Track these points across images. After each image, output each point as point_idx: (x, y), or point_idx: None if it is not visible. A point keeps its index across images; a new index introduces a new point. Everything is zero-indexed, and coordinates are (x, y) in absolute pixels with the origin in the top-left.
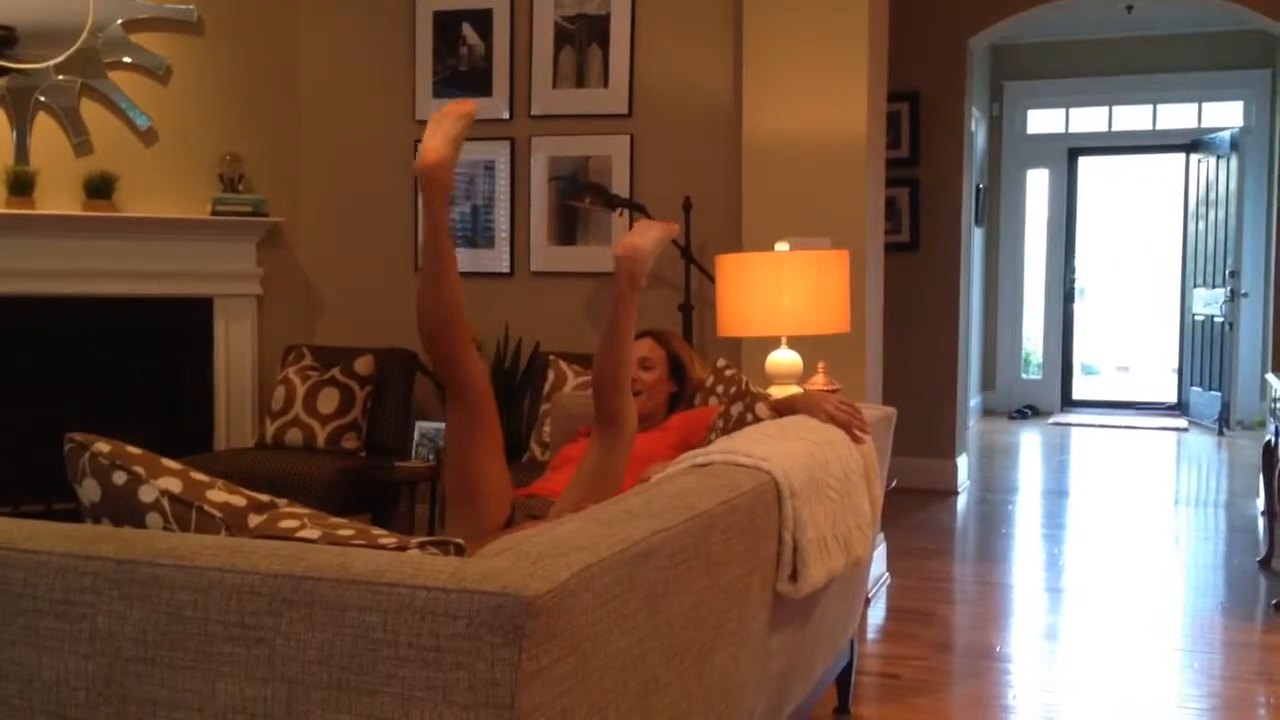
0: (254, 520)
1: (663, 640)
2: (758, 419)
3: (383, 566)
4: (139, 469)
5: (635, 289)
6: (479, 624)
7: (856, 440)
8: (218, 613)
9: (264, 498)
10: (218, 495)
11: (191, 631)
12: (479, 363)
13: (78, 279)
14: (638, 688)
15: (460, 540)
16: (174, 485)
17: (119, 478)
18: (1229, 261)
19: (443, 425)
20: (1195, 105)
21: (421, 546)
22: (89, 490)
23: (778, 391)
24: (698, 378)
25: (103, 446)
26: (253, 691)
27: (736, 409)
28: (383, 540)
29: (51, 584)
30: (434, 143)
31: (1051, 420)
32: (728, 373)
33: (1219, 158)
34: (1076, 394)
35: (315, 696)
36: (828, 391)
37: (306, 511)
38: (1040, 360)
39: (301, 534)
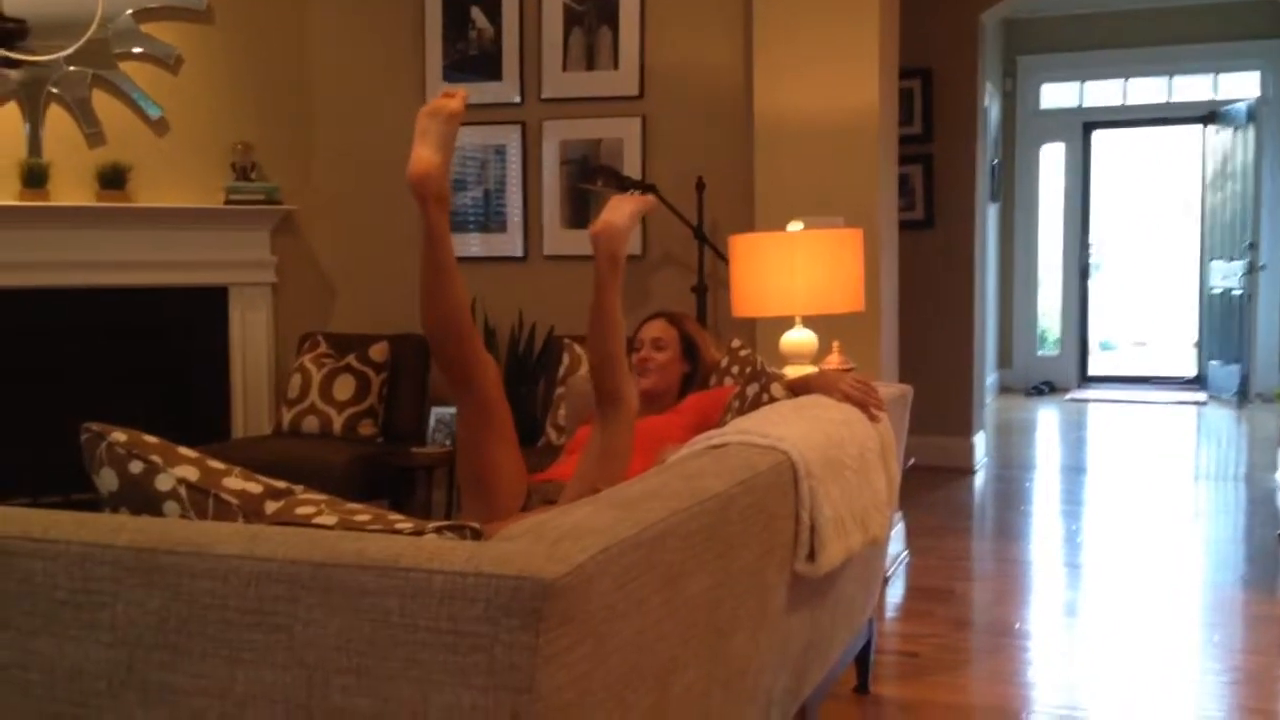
0: (271, 507)
1: (680, 621)
2: (773, 399)
3: (400, 551)
4: (155, 458)
5: (616, 268)
6: (496, 607)
7: (873, 419)
8: (236, 600)
9: (280, 484)
10: (234, 483)
11: (211, 619)
12: (488, 359)
13: (92, 270)
14: (656, 669)
15: (476, 524)
16: (190, 473)
17: (136, 467)
18: (1247, 234)
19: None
20: (1211, 76)
21: (438, 531)
22: (106, 480)
23: (793, 371)
24: (711, 359)
25: (119, 436)
26: (272, 677)
27: (752, 389)
28: (399, 525)
29: (71, 574)
30: (423, 151)
31: (1069, 396)
32: (742, 353)
33: (1236, 129)
34: (1094, 370)
35: (335, 682)
36: (843, 370)
37: (323, 498)
38: (1057, 336)
39: (318, 520)
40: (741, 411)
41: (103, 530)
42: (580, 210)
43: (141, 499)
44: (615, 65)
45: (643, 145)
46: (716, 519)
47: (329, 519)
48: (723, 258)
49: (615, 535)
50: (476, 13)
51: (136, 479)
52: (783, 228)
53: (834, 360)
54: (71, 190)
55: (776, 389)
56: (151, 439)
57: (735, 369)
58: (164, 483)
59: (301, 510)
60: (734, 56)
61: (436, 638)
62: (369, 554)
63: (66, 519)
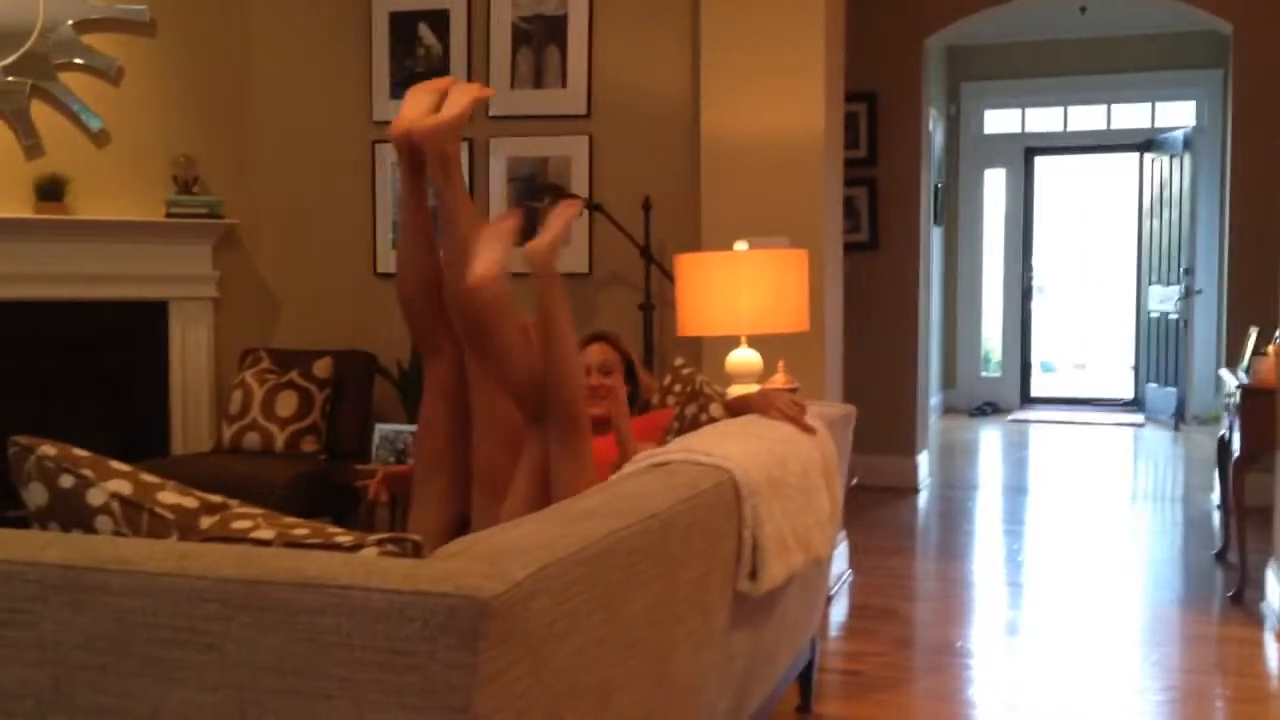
0: (206, 522)
1: (621, 640)
2: (712, 419)
3: (336, 569)
4: (87, 472)
5: (437, 164)
6: (434, 626)
7: (806, 431)
8: (167, 618)
9: (216, 499)
10: (169, 497)
11: (141, 638)
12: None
13: (29, 283)
14: (596, 688)
15: (418, 537)
16: (124, 488)
17: (66, 481)
18: (1183, 259)
19: (403, 427)
20: (1149, 105)
21: (379, 544)
22: (35, 494)
23: (738, 391)
24: (645, 381)
25: (49, 450)
26: (204, 698)
27: (691, 409)
28: (339, 539)
29: None
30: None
31: (1011, 417)
32: (684, 371)
33: (1172, 157)
34: (1035, 391)
35: (268, 702)
36: (787, 390)
37: (260, 512)
38: (999, 358)
39: (255, 534)
40: (681, 431)
41: (29, 547)
42: (528, 228)
43: (72, 514)
44: (563, 84)
45: (590, 164)
46: (658, 537)
47: (266, 533)
48: (669, 277)
49: (556, 553)
50: (424, 29)
51: (67, 493)
52: (728, 247)
53: (779, 380)
54: (8, 202)
55: (715, 409)
56: (82, 453)
57: (678, 387)
58: (96, 497)
59: (238, 524)
60: (681, 78)
61: (373, 657)
62: (305, 572)
63: None
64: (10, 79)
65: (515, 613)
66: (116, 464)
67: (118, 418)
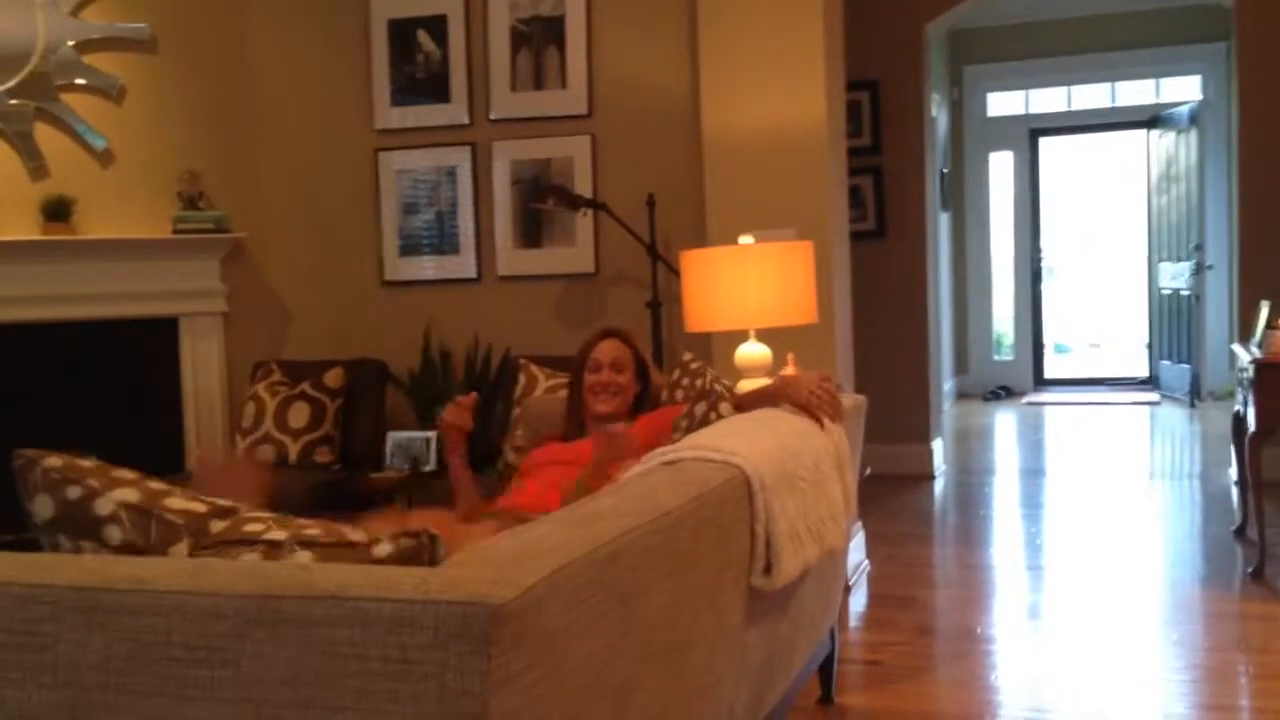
0: (216, 526)
1: (636, 640)
2: (721, 417)
3: (347, 580)
4: (93, 481)
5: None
6: (446, 634)
7: (821, 426)
8: (181, 636)
9: (225, 504)
10: (177, 503)
11: (155, 656)
12: None
13: (39, 304)
14: (612, 689)
15: (434, 530)
16: (131, 495)
17: (73, 492)
18: (1193, 235)
19: (416, 434)
20: (1153, 81)
21: (394, 539)
22: (42, 507)
23: (748, 385)
24: (656, 379)
25: (54, 461)
26: (220, 714)
27: (700, 409)
28: (352, 538)
29: (11, 615)
30: None
31: (1025, 400)
32: (693, 366)
33: (1179, 132)
34: (1049, 373)
35: (284, 716)
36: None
37: (270, 515)
38: (1012, 341)
39: (268, 536)
40: (690, 430)
41: (43, 570)
42: (533, 230)
43: (80, 525)
44: (563, 85)
45: (593, 163)
46: (670, 536)
47: (279, 534)
48: (676, 273)
49: (566, 555)
50: (423, 36)
51: (74, 504)
52: (734, 242)
53: (789, 372)
54: (15, 224)
55: (725, 408)
56: (87, 462)
57: (686, 381)
58: (104, 506)
59: (249, 528)
60: (681, 73)
61: (387, 666)
62: (316, 584)
63: (4, 559)
64: (13, 102)
65: (527, 617)
66: (122, 472)
67: (132, 435)
